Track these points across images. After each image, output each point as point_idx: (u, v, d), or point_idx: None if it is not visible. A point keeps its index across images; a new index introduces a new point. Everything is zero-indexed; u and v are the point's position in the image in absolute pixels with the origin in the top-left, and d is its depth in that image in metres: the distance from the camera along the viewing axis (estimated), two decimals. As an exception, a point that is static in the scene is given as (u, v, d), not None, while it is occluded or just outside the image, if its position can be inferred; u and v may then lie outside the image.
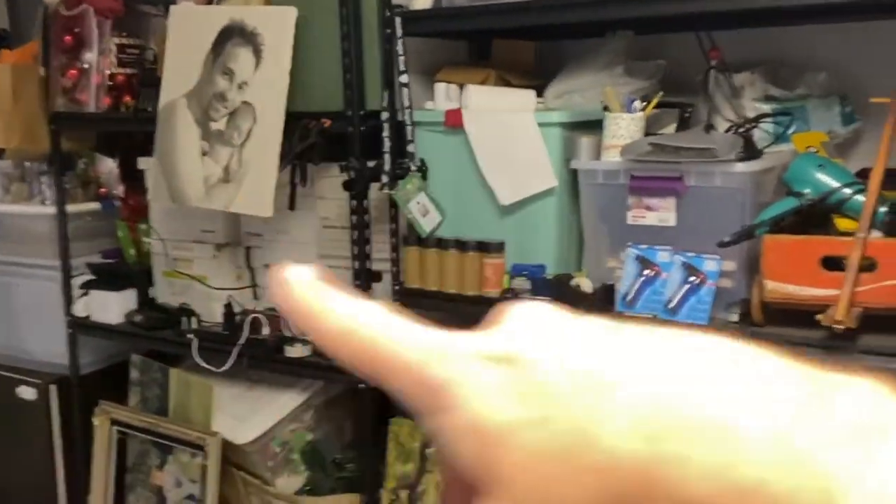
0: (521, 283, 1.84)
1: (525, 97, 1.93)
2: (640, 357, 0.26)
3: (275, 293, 0.29)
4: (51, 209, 2.50)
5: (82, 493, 2.54)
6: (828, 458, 0.22)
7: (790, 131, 1.77)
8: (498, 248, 1.87)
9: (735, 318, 1.57)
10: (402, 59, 1.89)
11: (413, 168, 1.93)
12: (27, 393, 2.56)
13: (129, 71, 2.40)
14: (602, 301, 1.71)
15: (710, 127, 1.71)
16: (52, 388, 2.54)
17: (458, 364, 0.26)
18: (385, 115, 1.90)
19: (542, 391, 0.25)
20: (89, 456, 2.48)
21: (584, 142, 1.80)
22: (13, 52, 2.59)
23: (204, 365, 2.19)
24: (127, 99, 2.39)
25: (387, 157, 1.91)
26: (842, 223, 1.55)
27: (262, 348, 2.12)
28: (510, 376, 0.26)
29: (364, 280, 1.99)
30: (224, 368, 2.15)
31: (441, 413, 0.26)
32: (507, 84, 2.06)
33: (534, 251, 1.87)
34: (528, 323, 0.28)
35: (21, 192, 2.63)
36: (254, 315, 2.17)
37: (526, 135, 1.83)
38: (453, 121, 1.88)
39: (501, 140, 1.85)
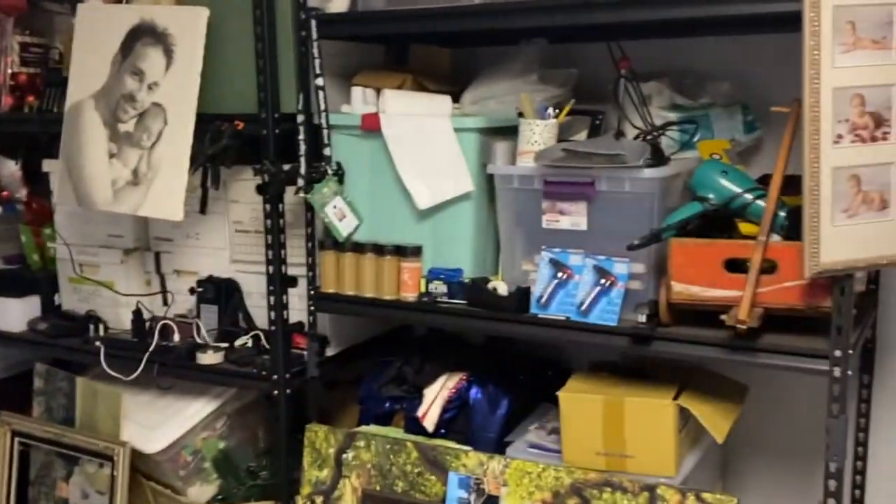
0: (438, 286, 1.85)
1: (441, 102, 1.94)
2: None
3: None
4: (-52, 213, 2.39)
5: (-19, 509, 2.43)
6: None
7: (695, 139, 1.83)
8: (415, 252, 1.88)
9: (643, 318, 1.62)
10: (317, 61, 1.88)
11: (329, 172, 1.92)
12: (-79, 405, 2.45)
13: (32, 70, 2.33)
14: (517, 303, 1.74)
15: (619, 134, 1.76)
16: (-51, 400, 2.43)
17: None
18: (300, 118, 1.89)
19: None
20: (-11, 470, 2.38)
21: (500, 147, 1.83)
22: None
23: (112, 373, 2.13)
24: (30, 99, 2.32)
25: (302, 161, 1.90)
26: (744, 227, 1.61)
27: (172, 355, 2.07)
28: None
29: (279, 285, 1.97)
30: (133, 376, 2.09)
31: None
32: (424, 89, 2.07)
33: (451, 255, 1.88)
34: None
35: (-85, 195, 2.51)
36: (164, 321, 2.13)
37: (443, 140, 1.84)
38: (370, 124, 1.88)
39: (419, 144, 1.86)
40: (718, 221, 1.64)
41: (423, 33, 2.04)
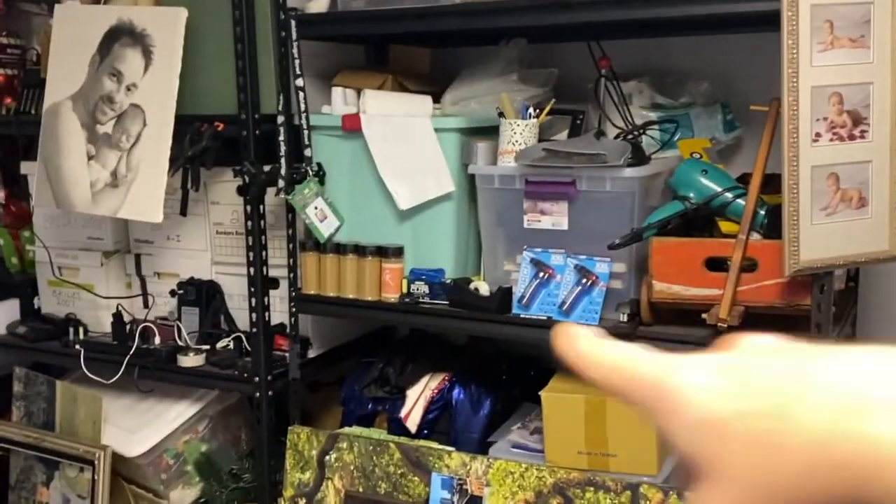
0: (420, 287, 1.84)
1: (422, 103, 1.94)
2: (837, 367, 0.31)
3: (562, 344, 0.38)
4: (-76, 216, 2.37)
5: (-40, 516, 2.41)
6: None
7: (676, 138, 1.83)
8: (397, 252, 1.87)
9: (625, 317, 1.62)
10: (297, 62, 1.87)
11: (310, 173, 1.91)
12: None
13: (9, 72, 2.31)
14: (499, 303, 1.74)
15: (600, 133, 1.76)
16: (-73, 405, 2.41)
17: (687, 373, 0.33)
18: (281, 119, 1.88)
19: (754, 390, 0.31)
20: (-32, 475, 2.35)
21: (481, 147, 1.83)
22: None
23: (92, 376, 2.11)
24: (8, 101, 2.30)
25: (283, 162, 1.89)
26: (724, 226, 1.62)
27: (153, 358, 2.06)
28: (729, 380, 0.32)
29: (260, 287, 1.96)
30: (113, 380, 2.08)
31: (670, 413, 0.32)
32: (405, 89, 2.06)
33: (432, 255, 1.88)
34: (752, 346, 0.34)
35: None
36: (144, 324, 2.11)
37: (423, 140, 1.84)
38: (351, 125, 1.88)
39: (399, 145, 1.85)
40: (699, 220, 1.65)
41: (403, 33, 2.04)
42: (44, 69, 2.13)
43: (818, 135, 1.41)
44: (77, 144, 2.00)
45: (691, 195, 1.61)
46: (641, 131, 1.79)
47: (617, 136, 1.79)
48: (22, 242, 2.44)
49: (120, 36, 1.95)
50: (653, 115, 1.89)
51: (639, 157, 1.67)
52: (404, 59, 2.20)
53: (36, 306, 2.37)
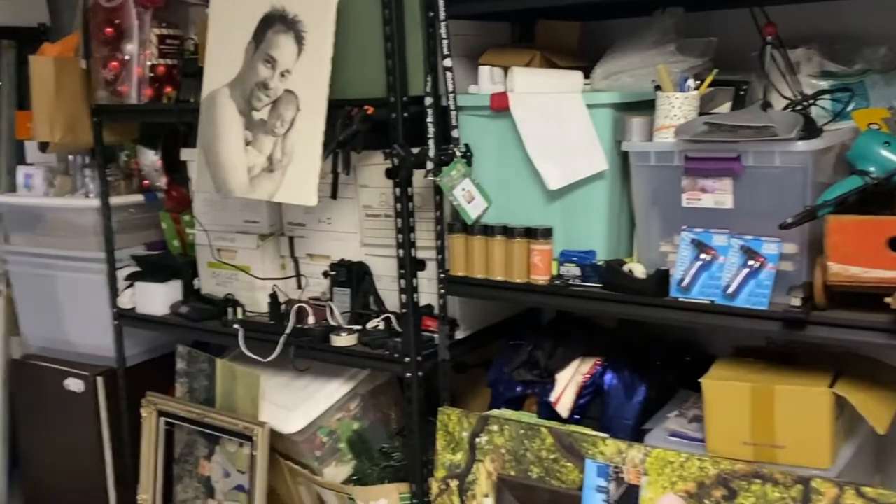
0: (571, 269, 1.80)
1: (572, 78, 1.88)
2: None
3: None
4: (95, 202, 2.51)
5: (131, 484, 2.55)
6: None
7: (850, 108, 1.70)
8: (545, 234, 1.83)
9: (797, 302, 1.52)
10: (445, 42, 1.85)
11: (458, 154, 1.89)
12: (75, 385, 2.59)
13: (170, 62, 2.40)
14: (657, 286, 1.67)
15: (767, 105, 1.65)
16: (99, 381, 2.56)
17: None
18: (429, 101, 1.87)
19: None
20: (137, 447, 2.49)
21: (635, 123, 1.75)
22: (54, 45, 2.60)
23: (250, 355, 2.18)
24: (168, 90, 2.39)
25: (431, 144, 1.88)
26: (909, 202, 1.49)
27: (307, 337, 2.10)
28: None
29: (409, 269, 1.97)
30: (270, 358, 2.14)
31: None
32: (553, 65, 2.01)
33: (583, 236, 1.82)
34: None
35: (65, 186, 2.65)
36: (299, 304, 2.16)
37: (574, 117, 1.78)
38: (499, 104, 1.85)
39: (549, 123, 1.80)
40: (878, 197, 1.52)
41: (551, 7, 1.99)
42: (201, 58, 2.20)
43: None
44: (235, 131, 2.06)
45: (872, 169, 1.48)
46: (812, 101, 1.67)
47: (785, 108, 1.68)
48: (183, 226, 2.55)
49: (273, 23, 1.99)
50: (823, 84, 1.76)
51: (811, 130, 1.55)
52: (552, 34, 2.14)
53: (196, 287, 2.47)
